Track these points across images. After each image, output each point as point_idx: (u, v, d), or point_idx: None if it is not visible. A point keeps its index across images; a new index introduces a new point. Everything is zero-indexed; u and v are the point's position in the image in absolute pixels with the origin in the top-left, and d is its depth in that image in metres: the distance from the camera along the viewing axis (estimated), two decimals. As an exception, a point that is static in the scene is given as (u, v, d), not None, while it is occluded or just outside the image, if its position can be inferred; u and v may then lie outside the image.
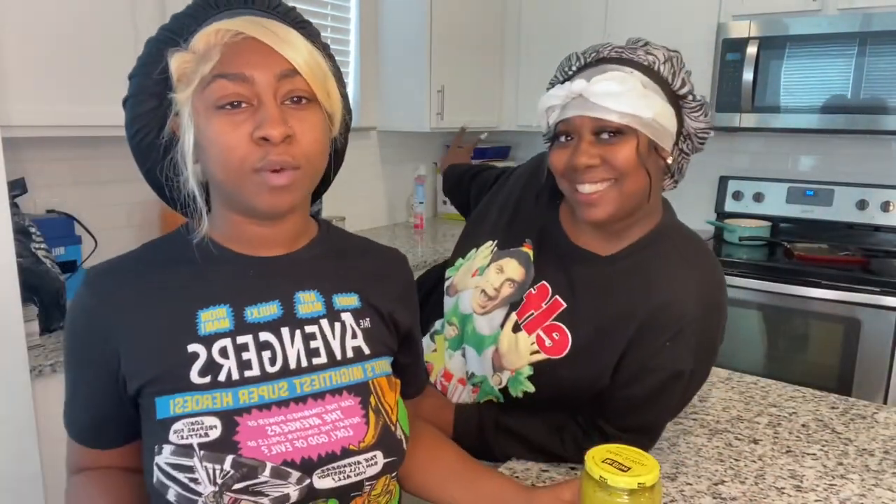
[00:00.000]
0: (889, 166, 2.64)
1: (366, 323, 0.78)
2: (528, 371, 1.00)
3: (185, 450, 0.64)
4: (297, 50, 0.67)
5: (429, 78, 2.73)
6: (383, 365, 0.78)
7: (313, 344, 0.73)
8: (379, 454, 0.72)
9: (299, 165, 0.67)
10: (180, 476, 0.64)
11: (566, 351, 0.98)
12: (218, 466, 0.64)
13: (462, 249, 1.15)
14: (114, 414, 0.72)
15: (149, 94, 0.71)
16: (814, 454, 1.07)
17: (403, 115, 2.84)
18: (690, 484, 0.98)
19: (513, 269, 1.05)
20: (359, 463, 0.70)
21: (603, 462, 0.70)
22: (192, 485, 0.64)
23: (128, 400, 0.71)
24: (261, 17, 0.69)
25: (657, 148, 0.92)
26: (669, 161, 0.94)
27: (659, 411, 0.99)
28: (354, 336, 0.77)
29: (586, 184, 0.91)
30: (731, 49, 2.51)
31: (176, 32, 0.70)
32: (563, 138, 0.94)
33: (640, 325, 0.94)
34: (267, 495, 0.65)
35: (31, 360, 1.41)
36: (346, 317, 0.77)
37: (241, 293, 0.72)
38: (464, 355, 1.08)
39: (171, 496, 0.65)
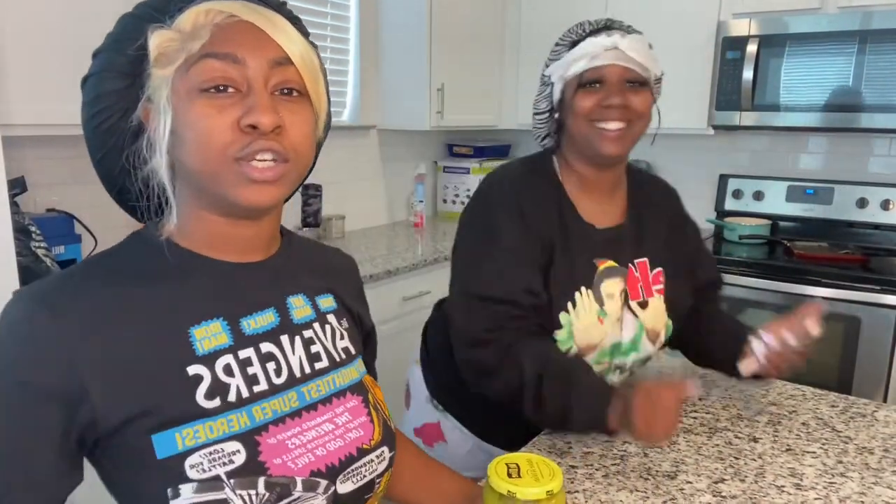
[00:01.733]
0: (889, 164, 2.64)
1: (345, 323, 0.79)
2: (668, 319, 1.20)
3: (213, 483, 0.59)
4: (292, 40, 0.64)
5: (428, 76, 2.72)
6: (362, 364, 0.79)
7: (314, 349, 0.72)
8: (385, 449, 0.73)
9: (288, 158, 0.62)
10: None
11: (670, 279, 1.20)
12: (252, 491, 0.60)
13: (559, 306, 1.11)
14: (47, 472, 0.58)
15: (118, 73, 0.64)
16: (814, 452, 1.07)
17: (403, 113, 2.84)
18: (690, 482, 0.98)
19: (611, 287, 1.14)
20: (372, 461, 0.71)
21: (506, 473, 0.72)
22: None
23: (75, 447, 0.59)
24: (253, 3, 0.65)
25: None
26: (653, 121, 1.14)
27: None
28: (342, 337, 0.77)
29: (613, 121, 1.06)
30: (731, 47, 2.50)
31: (159, 10, 0.64)
32: (589, 85, 1.08)
33: (673, 215, 1.26)
34: None
35: (32, 358, 1.40)
36: (331, 318, 0.77)
37: (232, 304, 0.67)
38: (624, 369, 1.20)
39: None
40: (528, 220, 1.09)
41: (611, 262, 1.14)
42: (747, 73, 2.46)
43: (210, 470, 0.59)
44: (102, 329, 0.59)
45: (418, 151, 3.26)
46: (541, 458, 0.76)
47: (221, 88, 0.60)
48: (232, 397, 0.63)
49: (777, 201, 2.78)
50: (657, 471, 1.02)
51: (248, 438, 0.62)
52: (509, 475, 0.71)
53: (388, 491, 0.86)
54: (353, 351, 0.77)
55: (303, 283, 0.75)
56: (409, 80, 2.78)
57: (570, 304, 1.10)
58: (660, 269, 1.20)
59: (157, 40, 0.61)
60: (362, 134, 2.93)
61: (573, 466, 1.02)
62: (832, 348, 2.26)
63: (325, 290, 0.78)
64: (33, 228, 1.55)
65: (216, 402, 0.62)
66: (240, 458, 0.60)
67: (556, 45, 1.14)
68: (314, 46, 0.70)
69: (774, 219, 2.78)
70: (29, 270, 1.47)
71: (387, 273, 2.20)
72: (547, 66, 1.15)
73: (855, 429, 1.15)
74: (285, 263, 0.74)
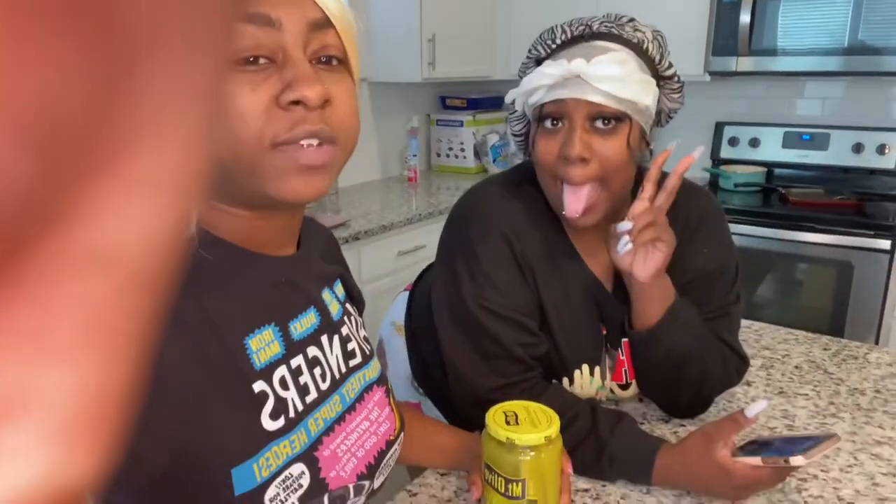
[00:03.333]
0: (886, 108, 2.61)
1: (355, 309, 0.75)
2: None
3: None
4: None
5: (419, 26, 2.66)
6: None
7: (350, 346, 0.68)
8: (402, 435, 0.73)
9: (336, 139, 0.53)
10: None
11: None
12: None
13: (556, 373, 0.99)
14: None
15: None
16: (806, 394, 1.09)
17: (394, 65, 2.79)
18: (683, 426, 1.00)
19: (608, 360, 1.00)
20: (395, 451, 0.71)
21: (504, 421, 0.73)
22: None
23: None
24: None
25: (644, 135, 0.88)
26: (652, 147, 0.90)
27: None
28: (361, 326, 0.74)
29: (576, 183, 0.84)
30: (728, -10, 2.45)
31: None
32: (549, 122, 0.85)
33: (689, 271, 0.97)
34: None
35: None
36: (349, 306, 0.73)
37: (279, 306, 0.60)
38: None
39: None
40: (525, 273, 0.92)
41: (605, 331, 0.99)
42: (744, 17, 2.41)
43: (287, 500, 0.54)
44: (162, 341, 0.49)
45: (410, 104, 3.21)
46: (538, 405, 0.76)
47: (251, 60, 0.50)
48: (291, 413, 0.57)
49: (773, 148, 2.77)
50: (652, 415, 1.03)
51: (309, 457, 0.58)
52: (507, 423, 0.72)
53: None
54: (369, 339, 0.75)
55: (324, 274, 0.69)
56: (399, 30, 2.72)
57: (566, 380, 0.98)
58: None
59: None
60: (353, 87, 2.88)
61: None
62: (826, 293, 2.28)
63: (336, 275, 0.72)
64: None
65: (280, 423, 0.56)
66: (306, 481, 0.56)
67: (528, 54, 0.90)
68: None
69: (770, 166, 2.77)
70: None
71: (381, 228, 2.20)
72: (518, 76, 0.92)
73: (847, 371, 1.17)
74: (310, 254, 0.67)
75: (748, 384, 1.12)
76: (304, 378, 0.60)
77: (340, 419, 0.63)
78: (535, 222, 0.93)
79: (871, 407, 1.04)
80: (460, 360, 0.94)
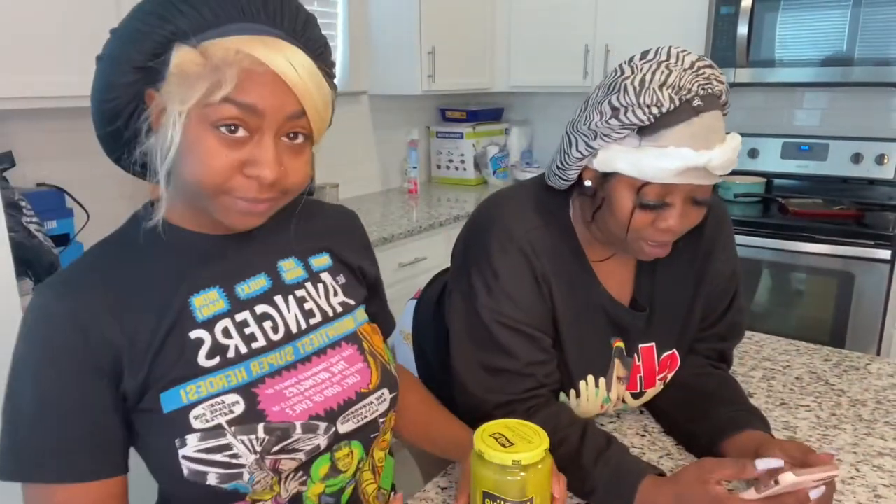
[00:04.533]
0: (884, 118, 2.62)
1: (341, 279, 0.83)
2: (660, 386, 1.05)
3: (216, 431, 0.66)
4: (313, 92, 0.65)
5: (419, 40, 2.68)
6: (362, 313, 0.84)
7: (307, 306, 0.78)
8: (385, 391, 0.79)
9: (282, 197, 0.69)
10: (217, 457, 0.66)
11: (679, 358, 1.04)
12: (252, 436, 0.67)
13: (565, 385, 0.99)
14: (115, 432, 0.67)
15: (132, 67, 0.64)
16: (807, 406, 1.09)
17: (394, 78, 2.80)
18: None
19: (619, 370, 1.00)
20: (371, 403, 0.77)
21: (491, 438, 0.73)
22: (232, 460, 0.66)
23: (124, 413, 0.68)
24: (285, 41, 0.64)
25: None
26: None
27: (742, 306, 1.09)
28: (336, 293, 0.82)
29: (664, 245, 0.88)
30: (725, 2, 2.46)
31: (186, 15, 0.62)
32: (653, 200, 0.83)
33: (700, 275, 1.02)
34: (301, 450, 0.71)
35: (30, 333, 1.40)
36: (325, 276, 0.82)
37: (226, 272, 0.74)
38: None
39: (211, 480, 0.66)
40: (542, 290, 0.93)
41: (620, 343, 0.99)
42: (742, 29, 2.43)
43: (212, 420, 0.66)
44: (125, 310, 0.67)
45: (410, 117, 3.22)
46: (515, 421, 0.76)
47: (233, 128, 0.63)
48: (231, 354, 0.70)
49: (772, 158, 2.77)
50: (653, 428, 1.03)
51: (246, 391, 0.69)
52: (502, 445, 0.71)
53: (399, 432, 0.92)
54: (352, 303, 0.82)
55: (294, 246, 0.81)
56: (400, 43, 2.74)
57: (572, 392, 0.98)
58: (672, 351, 1.02)
59: (179, 58, 0.62)
60: (354, 100, 2.89)
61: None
62: (826, 303, 2.28)
63: (320, 249, 0.83)
64: (24, 203, 1.54)
65: (216, 361, 0.69)
66: (239, 408, 0.68)
67: (618, 116, 0.81)
68: (331, 67, 0.72)
69: (769, 176, 2.77)
70: (22, 246, 1.47)
71: (382, 240, 2.20)
72: (593, 129, 0.84)
73: (848, 382, 1.17)
74: (275, 228, 0.79)
75: (750, 396, 1.11)
76: (251, 329, 0.72)
77: (291, 367, 0.73)
78: (556, 242, 0.94)
79: (873, 418, 1.04)
80: (468, 374, 0.95)
